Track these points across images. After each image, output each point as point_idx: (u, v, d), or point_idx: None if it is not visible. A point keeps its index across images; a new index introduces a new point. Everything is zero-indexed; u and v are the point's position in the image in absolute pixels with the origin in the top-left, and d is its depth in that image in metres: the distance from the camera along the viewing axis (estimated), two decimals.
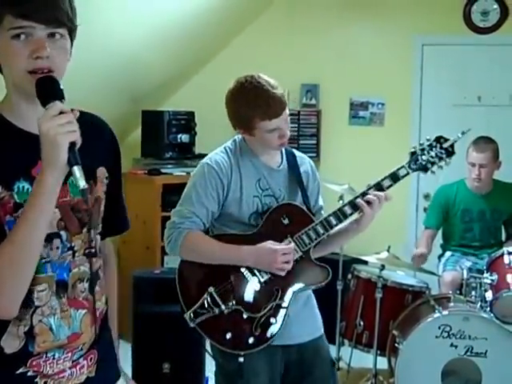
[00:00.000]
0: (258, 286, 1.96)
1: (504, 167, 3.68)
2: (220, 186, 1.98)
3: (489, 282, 3.06)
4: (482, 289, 3.06)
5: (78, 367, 1.33)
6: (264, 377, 2.01)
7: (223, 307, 1.92)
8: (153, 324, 3.15)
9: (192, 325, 1.93)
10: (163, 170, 4.18)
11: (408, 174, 2.00)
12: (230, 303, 1.93)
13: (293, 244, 1.97)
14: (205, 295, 1.93)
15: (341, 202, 3.40)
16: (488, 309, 3.02)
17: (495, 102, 4.50)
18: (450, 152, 2.01)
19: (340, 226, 2.05)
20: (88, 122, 1.27)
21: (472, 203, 3.66)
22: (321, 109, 4.71)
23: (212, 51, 4.73)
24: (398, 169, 1.99)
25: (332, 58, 4.66)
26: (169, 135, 4.23)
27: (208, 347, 2.05)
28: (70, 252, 1.29)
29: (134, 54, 3.71)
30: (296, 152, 2.18)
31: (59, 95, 1.16)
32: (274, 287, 1.97)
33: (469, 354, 2.86)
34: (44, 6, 1.16)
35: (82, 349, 1.33)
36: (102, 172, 1.36)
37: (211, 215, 2.00)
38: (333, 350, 3.66)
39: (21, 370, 1.26)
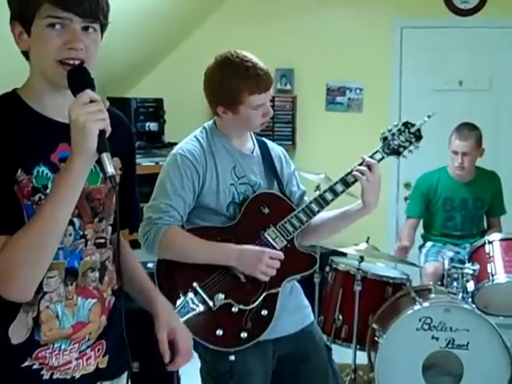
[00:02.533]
0: (244, 279, 1.90)
1: (485, 152, 3.61)
2: (196, 175, 1.90)
3: (470, 272, 3.03)
4: (464, 279, 3.02)
5: (84, 358, 1.33)
6: (258, 376, 1.94)
7: (210, 303, 1.84)
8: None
9: None
10: None
11: (383, 158, 2.01)
12: (219, 297, 1.85)
13: (281, 253, 1.91)
14: (189, 291, 1.84)
15: (317, 192, 3.32)
16: (469, 300, 3.00)
17: (476, 87, 4.47)
18: (417, 136, 2.04)
19: (338, 209, 2.03)
20: (111, 117, 1.33)
21: (454, 192, 3.61)
22: (296, 94, 4.63)
23: (180, 36, 4.62)
24: (374, 153, 2.01)
25: (307, 41, 4.56)
26: (136, 123, 4.13)
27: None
28: (83, 240, 1.31)
29: None
30: (266, 140, 2.14)
31: (90, 84, 1.20)
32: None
33: (450, 346, 2.83)
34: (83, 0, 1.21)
35: (89, 339, 1.34)
36: (117, 162, 1.38)
37: (188, 208, 1.91)
38: None
39: (26, 364, 1.26)
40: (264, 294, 1.89)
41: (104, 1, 1.26)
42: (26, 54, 1.27)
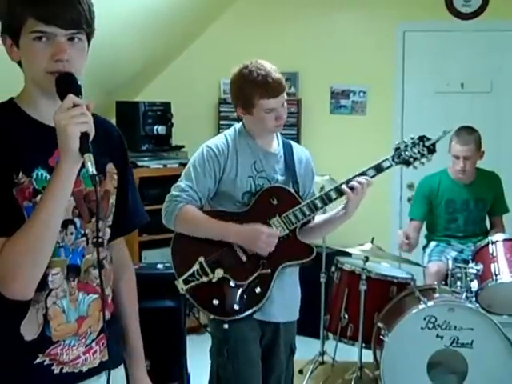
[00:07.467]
0: (245, 258, 2.11)
1: (487, 154, 3.63)
2: (217, 165, 2.13)
3: (474, 271, 3.05)
4: (468, 279, 3.04)
5: (91, 352, 1.39)
6: (251, 342, 2.14)
7: (211, 275, 2.08)
8: None
9: (182, 291, 2.11)
10: (140, 163, 4.11)
11: (391, 166, 2.12)
12: (219, 271, 2.08)
13: (279, 231, 2.10)
14: (195, 264, 2.09)
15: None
16: (473, 299, 3.01)
17: (478, 89, 4.48)
18: (431, 150, 2.14)
19: (325, 214, 2.21)
20: (100, 125, 1.36)
21: (455, 193, 3.62)
22: (300, 98, 4.65)
23: (186, 40, 4.65)
24: (383, 161, 2.12)
25: (312, 45, 4.59)
26: (144, 127, 4.17)
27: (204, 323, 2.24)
28: (84, 239, 1.37)
29: (107, 43, 3.61)
30: (294, 143, 2.32)
31: (75, 90, 1.24)
32: (260, 260, 2.11)
33: (454, 344, 2.86)
34: (64, 11, 1.24)
35: (91, 333, 1.39)
36: (110, 167, 1.44)
37: (208, 192, 2.15)
38: (317, 344, 3.62)
39: (38, 360, 1.31)
40: (257, 273, 2.09)
41: (86, 9, 1.29)
42: (19, 63, 1.32)
